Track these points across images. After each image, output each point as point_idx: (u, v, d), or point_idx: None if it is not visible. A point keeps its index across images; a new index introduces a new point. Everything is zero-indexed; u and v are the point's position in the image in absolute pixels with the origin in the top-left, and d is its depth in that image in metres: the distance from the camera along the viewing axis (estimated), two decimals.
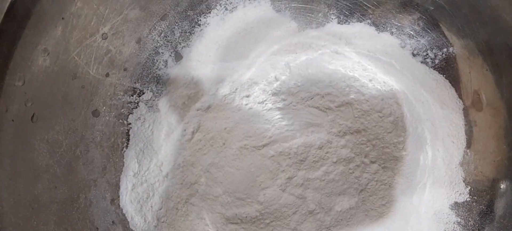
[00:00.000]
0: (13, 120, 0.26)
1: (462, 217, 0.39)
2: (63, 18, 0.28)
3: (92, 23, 0.31)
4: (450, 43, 0.41)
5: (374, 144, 0.37)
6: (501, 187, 0.37)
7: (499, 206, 0.37)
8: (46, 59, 0.28)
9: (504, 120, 0.38)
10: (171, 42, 0.39)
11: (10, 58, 0.26)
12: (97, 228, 0.32)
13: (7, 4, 0.24)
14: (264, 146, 0.36)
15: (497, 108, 0.38)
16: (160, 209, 0.37)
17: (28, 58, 0.27)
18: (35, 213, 0.27)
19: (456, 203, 0.40)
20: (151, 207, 0.37)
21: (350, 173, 0.37)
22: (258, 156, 0.36)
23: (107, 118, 0.35)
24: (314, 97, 0.38)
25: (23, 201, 0.26)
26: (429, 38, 0.42)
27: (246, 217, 0.36)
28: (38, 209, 0.27)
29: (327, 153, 0.37)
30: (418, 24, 0.42)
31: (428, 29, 0.42)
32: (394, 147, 0.37)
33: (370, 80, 0.39)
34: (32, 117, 0.28)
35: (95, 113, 0.34)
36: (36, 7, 0.26)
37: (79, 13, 0.30)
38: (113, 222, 0.34)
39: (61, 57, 0.29)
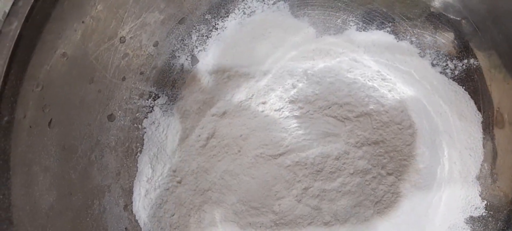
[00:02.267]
0: (30, 126, 0.25)
1: None
2: (83, 22, 0.28)
3: (111, 27, 0.30)
4: (472, 55, 0.40)
5: (392, 155, 0.37)
6: None
7: None
8: (65, 64, 0.28)
9: None
10: (188, 46, 0.38)
11: (28, 63, 0.25)
12: None
13: (28, 8, 0.23)
14: (280, 155, 0.36)
15: None
16: (173, 215, 0.37)
17: (46, 63, 0.26)
18: (50, 221, 0.27)
19: (471, 217, 0.39)
20: (164, 213, 0.36)
21: (367, 184, 0.37)
22: (274, 165, 0.36)
23: (122, 122, 0.34)
24: (332, 107, 0.38)
25: (39, 209, 0.26)
26: (450, 48, 0.41)
27: (260, 226, 0.35)
28: (53, 217, 0.27)
29: (344, 163, 0.36)
30: (438, 34, 0.41)
31: (449, 38, 0.41)
32: (412, 159, 0.37)
33: (390, 91, 0.39)
34: (49, 122, 0.27)
35: (111, 117, 0.33)
36: (56, 10, 0.25)
37: (99, 17, 0.29)
38: (126, 228, 0.33)
39: (80, 62, 0.29)
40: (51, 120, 0.27)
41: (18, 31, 0.23)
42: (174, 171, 0.38)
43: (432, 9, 0.41)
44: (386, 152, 0.37)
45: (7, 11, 0.42)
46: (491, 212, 0.39)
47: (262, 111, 0.38)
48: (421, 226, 0.39)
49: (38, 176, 0.26)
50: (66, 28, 0.27)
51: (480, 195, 0.39)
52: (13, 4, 0.24)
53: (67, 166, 0.29)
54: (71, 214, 0.28)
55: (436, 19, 0.41)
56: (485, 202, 0.39)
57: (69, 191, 0.29)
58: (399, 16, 0.42)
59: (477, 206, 0.39)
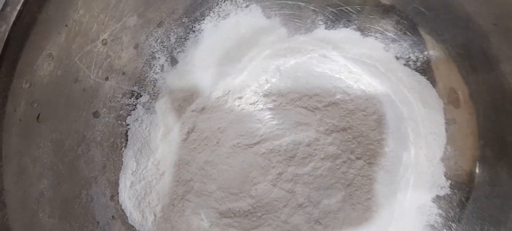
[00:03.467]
0: (20, 120, 0.28)
1: (443, 209, 0.41)
2: (66, 25, 0.30)
3: (93, 30, 0.33)
4: (431, 47, 0.44)
5: (359, 141, 0.40)
6: (477, 180, 0.40)
7: (476, 197, 0.40)
8: (51, 64, 0.30)
9: (480, 118, 0.40)
10: (167, 47, 0.41)
11: (17, 62, 0.28)
12: (98, 222, 0.34)
13: (15, 13, 0.26)
14: (255, 144, 0.39)
15: (474, 107, 0.40)
16: (157, 206, 0.39)
17: (34, 63, 0.29)
18: (41, 207, 0.29)
19: (437, 196, 0.42)
20: (149, 203, 0.39)
21: (337, 168, 0.39)
22: (250, 154, 0.38)
23: (107, 119, 0.37)
24: (303, 98, 0.41)
25: (30, 195, 0.28)
26: (411, 42, 0.44)
27: (239, 211, 0.38)
28: (44, 203, 0.29)
29: (315, 150, 0.39)
30: (400, 29, 0.44)
31: (410, 33, 0.44)
32: (377, 143, 0.40)
33: (355, 82, 0.42)
34: (38, 117, 0.30)
35: (96, 114, 0.36)
36: (41, 15, 0.28)
37: (81, 21, 0.32)
38: (113, 217, 0.36)
39: (64, 62, 0.31)
40: (39, 114, 0.30)
41: (7, 34, 0.26)
42: (157, 164, 0.40)
43: (394, 8, 0.44)
44: (354, 137, 0.40)
45: None
46: (455, 190, 0.41)
47: (239, 105, 0.41)
48: (392, 207, 0.42)
49: (29, 166, 0.28)
50: (51, 30, 0.29)
51: (444, 175, 0.42)
52: (2, 9, 0.26)
53: (55, 158, 0.31)
54: (60, 202, 0.31)
55: (398, 16, 0.44)
56: (450, 181, 0.42)
57: (58, 181, 0.31)
58: (364, 15, 0.45)
59: (442, 186, 0.42)
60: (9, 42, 0.26)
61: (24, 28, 0.27)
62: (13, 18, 0.26)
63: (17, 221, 0.27)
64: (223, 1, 0.42)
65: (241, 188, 0.38)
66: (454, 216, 0.41)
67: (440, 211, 0.41)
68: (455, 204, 0.41)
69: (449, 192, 0.41)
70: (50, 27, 0.29)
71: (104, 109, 0.36)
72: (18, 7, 0.26)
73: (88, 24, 0.32)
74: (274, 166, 0.38)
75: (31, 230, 0.27)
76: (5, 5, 0.26)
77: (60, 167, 0.32)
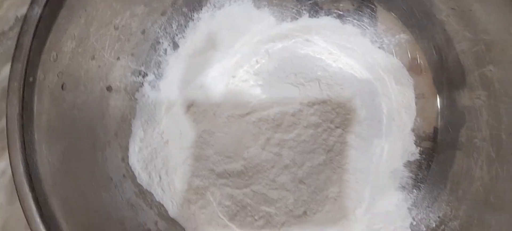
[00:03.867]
0: (48, 86, 0.34)
1: (413, 172, 0.47)
2: (85, 10, 0.37)
3: (107, 16, 0.39)
4: (401, 31, 0.49)
5: (337, 111, 0.46)
6: (440, 145, 0.46)
7: (439, 160, 0.45)
8: (73, 42, 0.36)
9: (442, 93, 0.46)
10: (170, 33, 0.47)
11: (47, 39, 0.33)
12: (112, 178, 0.40)
13: None
14: (247, 114, 0.45)
15: (433, 77, 0.46)
16: (162, 169, 0.45)
17: (60, 40, 0.35)
18: (65, 159, 0.35)
19: (408, 161, 0.47)
20: (155, 166, 0.45)
21: (318, 135, 0.45)
22: (243, 122, 0.44)
23: (118, 93, 0.43)
24: (289, 76, 0.47)
25: (56, 148, 0.34)
26: (384, 28, 0.50)
27: (233, 171, 0.44)
28: (68, 156, 0.35)
29: (299, 119, 0.45)
30: (374, 17, 0.50)
31: (382, 20, 0.50)
32: (353, 113, 0.46)
33: (334, 62, 0.48)
34: (62, 85, 0.36)
35: (109, 88, 0.42)
36: (66, 0, 0.34)
37: (97, 7, 0.38)
38: (123, 175, 0.41)
39: (84, 41, 0.38)
40: (63, 83, 0.36)
41: (39, 15, 0.32)
42: (162, 133, 0.46)
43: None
44: (333, 109, 0.46)
45: (19, 16, 0.51)
46: (423, 155, 0.47)
47: (232, 83, 0.47)
48: (367, 171, 0.48)
49: (56, 124, 0.34)
50: (74, 14, 0.36)
51: (414, 143, 0.48)
52: None
53: (76, 121, 0.37)
54: (81, 157, 0.37)
55: (372, 4, 0.50)
56: (419, 148, 0.47)
57: (78, 141, 0.37)
58: (343, 4, 0.51)
59: (412, 152, 0.48)
60: (40, 22, 0.33)
61: (52, 12, 0.33)
62: (44, 2, 0.32)
63: (46, 169, 0.33)
64: None
65: (235, 151, 0.44)
66: (423, 177, 0.46)
67: (411, 174, 0.47)
68: (423, 167, 0.47)
69: (418, 157, 0.47)
70: (72, 12, 0.35)
71: (116, 84, 0.42)
72: None
73: (103, 10, 0.38)
74: (263, 133, 0.44)
75: (60, 174, 0.33)
76: None
77: (80, 129, 0.38)
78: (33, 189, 0.30)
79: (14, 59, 0.31)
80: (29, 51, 0.31)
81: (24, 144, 0.31)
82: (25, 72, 0.31)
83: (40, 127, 0.33)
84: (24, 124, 0.31)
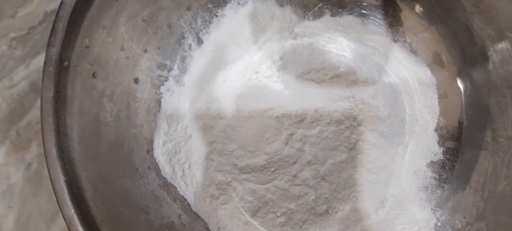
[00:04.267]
0: (81, 73, 0.35)
1: (437, 173, 0.46)
2: (117, 1, 0.37)
3: (136, 7, 0.40)
4: (424, 29, 0.50)
5: (360, 108, 0.46)
6: (464, 145, 0.45)
7: (463, 160, 0.45)
8: (104, 32, 0.37)
9: (466, 91, 0.46)
10: (194, 29, 0.48)
11: (80, 27, 0.34)
12: (138, 169, 0.40)
13: None
14: (270, 109, 0.45)
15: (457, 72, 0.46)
16: (185, 163, 0.45)
17: (92, 28, 0.35)
18: (93, 146, 0.35)
19: (432, 161, 0.47)
20: (178, 160, 0.45)
21: (341, 133, 0.45)
22: (266, 117, 0.44)
23: (144, 86, 0.44)
24: (311, 72, 0.47)
25: (86, 134, 0.35)
26: (406, 26, 0.50)
27: (255, 166, 0.44)
28: (96, 143, 0.36)
29: (321, 115, 0.45)
30: (396, 15, 0.50)
31: (405, 18, 0.50)
32: (377, 110, 0.45)
33: (358, 58, 0.48)
34: (93, 74, 0.36)
35: (136, 80, 0.42)
36: None
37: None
38: (148, 167, 0.42)
39: (114, 32, 0.38)
40: (94, 72, 0.36)
41: (74, 2, 0.33)
42: (186, 128, 0.46)
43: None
44: (356, 105, 0.46)
45: (48, 11, 0.52)
46: (447, 156, 0.47)
47: (256, 78, 0.47)
48: (390, 171, 0.47)
49: (87, 110, 0.35)
50: (106, 5, 0.36)
51: (438, 144, 0.47)
52: None
53: (105, 109, 0.38)
54: (108, 146, 0.37)
55: (395, 3, 0.50)
56: (442, 148, 0.47)
57: (106, 129, 0.38)
58: (366, 3, 0.51)
59: (436, 152, 0.47)
60: (74, 11, 0.33)
61: (85, 1, 0.34)
62: None
63: (78, 152, 0.33)
64: None
65: (257, 146, 0.44)
66: (446, 178, 0.46)
67: (434, 175, 0.46)
68: (447, 167, 0.46)
69: (441, 158, 0.47)
70: (105, 2, 0.36)
71: (142, 76, 0.43)
72: None
73: (133, 2, 0.39)
74: (286, 128, 0.44)
75: (90, 159, 0.34)
76: None
77: (108, 118, 0.38)
78: (65, 172, 0.30)
79: (49, 44, 0.32)
80: (64, 37, 0.32)
81: (57, 127, 0.31)
82: (60, 57, 0.32)
83: (72, 112, 0.33)
84: (58, 108, 0.31)
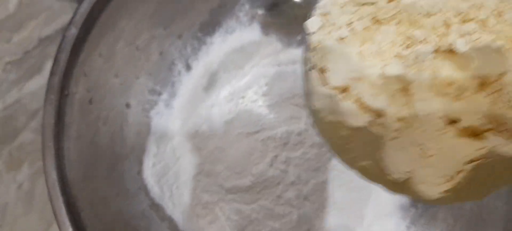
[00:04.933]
0: (79, 99, 0.37)
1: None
2: (114, 31, 0.40)
3: (131, 37, 0.43)
4: None
5: None
6: None
7: None
8: (100, 60, 0.39)
9: None
10: (184, 56, 0.51)
11: (79, 55, 0.37)
12: (129, 190, 0.42)
13: (82, 20, 0.36)
14: (256, 132, 0.47)
15: None
16: (173, 184, 0.47)
17: (90, 57, 0.38)
18: (90, 167, 0.37)
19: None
20: (167, 181, 0.47)
21: (323, 154, 0.48)
22: (252, 140, 0.47)
23: (136, 110, 0.46)
24: (295, 97, 0.50)
25: (83, 157, 0.37)
26: None
27: (242, 187, 0.46)
28: (93, 165, 0.38)
29: (304, 138, 0.48)
30: None
31: None
32: None
33: None
34: (90, 100, 0.39)
35: (128, 105, 0.45)
36: (98, 20, 0.38)
37: (124, 28, 0.41)
38: (139, 188, 0.44)
39: (110, 59, 0.41)
40: (91, 98, 0.39)
41: (75, 35, 0.36)
42: (174, 150, 0.49)
43: None
44: None
45: (43, 36, 0.54)
46: None
47: (242, 102, 0.50)
48: (369, 189, 0.50)
49: (84, 134, 0.37)
50: (103, 34, 0.39)
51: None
52: (72, 17, 0.36)
53: (98, 134, 0.40)
54: (104, 166, 0.39)
55: None
56: None
57: (101, 152, 0.40)
58: None
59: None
60: (76, 42, 0.36)
61: (86, 31, 0.37)
62: (80, 24, 0.36)
63: (74, 173, 0.35)
64: (230, 20, 0.52)
65: (244, 167, 0.46)
66: None
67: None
68: None
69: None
70: (103, 31, 0.39)
71: (134, 102, 0.45)
72: (85, 16, 0.36)
73: (129, 31, 0.42)
74: (270, 150, 0.47)
75: (86, 180, 0.36)
76: (75, 14, 0.36)
77: (102, 141, 0.40)
78: (64, 193, 0.32)
79: (51, 73, 0.34)
80: (65, 67, 0.34)
81: (57, 151, 0.33)
82: (61, 85, 0.34)
83: (70, 136, 0.35)
84: (58, 133, 0.34)
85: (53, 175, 0.33)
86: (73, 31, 0.35)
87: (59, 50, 0.35)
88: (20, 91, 0.54)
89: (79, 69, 0.37)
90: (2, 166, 0.52)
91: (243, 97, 0.50)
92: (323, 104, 0.23)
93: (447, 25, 0.21)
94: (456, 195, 0.21)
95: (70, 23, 0.35)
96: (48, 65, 0.54)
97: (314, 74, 0.24)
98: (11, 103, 0.54)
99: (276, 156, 0.47)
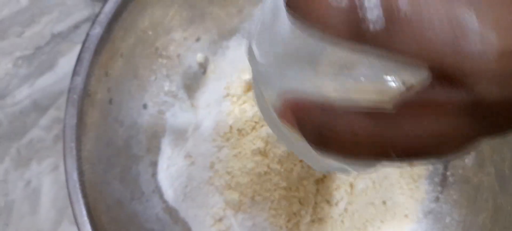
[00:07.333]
0: (100, 100, 0.36)
1: (425, 204, 0.50)
2: (135, 33, 0.40)
3: (151, 39, 0.42)
4: None
5: None
6: (448, 180, 0.49)
7: (447, 193, 0.49)
8: (121, 60, 0.39)
9: None
10: (201, 59, 0.50)
11: (101, 55, 0.36)
12: (144, 192, 0.42)
13: (107, 19, 0.35)
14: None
15: None
16: (186, 187, 0.47)
17: (111, 58, 0.38)
18: (108, 169, 0.37)
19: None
20: (180, 184, 0.47)
21: None
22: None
23: (152, 112, 0.45)
24: None
25: (101, 158, 0.36)
26: None
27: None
28: (110, 166, 0.37)
29: None
30: None
31: None
32: None
33: None
34: (110, 100, 0.38)
35: (145, 106, 0.44)
36: (121, 20, 0.37)
37: (145, 30, 0.41)
38: (153, 190, 0.43)
39: (130, 61, 0.40)
40: (111, 99, 0.38)
41: (100, 35, 0.35)
42: (188, 153, 0.48)
43: None
44: None
45: (55, 32, 0.53)
46: (432, 187, 0.50)
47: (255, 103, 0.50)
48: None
49: (102, 135, 0.37)
50: (126, 36, 0.39)
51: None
52: (97, 16, 0.36)
53: (117, 134, 0.40)
54: (119, 169, 0.39)
55: None
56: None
57: (118, 153, 0.39)
58: None
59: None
60: (100, 41, 0.35)
61: (110, 31, 0.36)
62: (105, 24, 0.35)
63: (92, 175, 0.35)
64: (247, 25, 0.52)
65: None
66: (431, 209, 0.50)
67: (422, 206, 0.50)
68: (432, 199, 0.50)
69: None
70: (125, 33, 0.38)
71: (150, 103, 0.45)
72: (109, 16, 0.35)
73: (149, 33, 0.42)
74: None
75: (103, 182, 0.35)
76: (99, 13, 0.35)
77: (119, 143, 0.40)
78: (84, 195, 0.32)
79: (74, 73, 0.33)
80: (89, 67, 0.34)
81: (79, 152, 0.33)
82: (84, 85, 0.33)
83: (90, 137, 0.35)
84: (80, 134, 0.33)
85: (74, 177, 0.32)
86: (98, 30, 0.35)
87: (82, 49, 0.34)
88: (31, 87, 0.53)
89: (101, 69, 0.36)
90: (9, 163, 0.51)
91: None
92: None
93: None
94: None
95: (94, 22, 0.35)
96: (60, 62, 0.54)
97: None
98: (21, 99, 0.53)
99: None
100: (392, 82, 0.18)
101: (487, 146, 0.47)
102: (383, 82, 0.18)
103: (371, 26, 0.15)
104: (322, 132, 0.17)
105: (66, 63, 0.53)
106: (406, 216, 0.49)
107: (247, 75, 0.52)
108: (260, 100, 0.24)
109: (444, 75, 0.15)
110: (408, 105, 0.16)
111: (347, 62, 0.18)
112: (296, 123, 0.18)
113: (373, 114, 0.16)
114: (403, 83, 0.17)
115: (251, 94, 0.51)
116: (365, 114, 0.16)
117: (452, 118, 0.15)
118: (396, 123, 0.16)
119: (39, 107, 0.53)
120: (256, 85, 0.23)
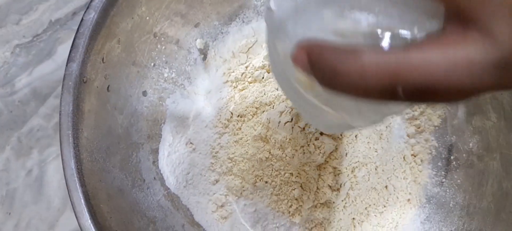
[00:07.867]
0: (97, 87, 0.36)
1: (428, 188, 0.49)
2: (132, 18, 0.39)
3: (149, 24, 0.42)
4: None
5: None
6: (452, 164, 0.48)
7: (452, 177, 0.48)
8: (119, 47, 0.38)
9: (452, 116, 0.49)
10: (200, 44, 0.50)
11: (96, 41, 0.36)
12: (144, 180, 0.41)
13: (101, 4, 0.34)
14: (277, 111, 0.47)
15: None
16: (188, 173, 0.47)
17: (108, 44, 0.37)
18: (107, 157, 0.36)
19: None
20: (181, 171, 0.46)
21: None
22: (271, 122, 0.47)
23: (152, 98, 0.45)
24: None
25: (100, 146, 0.36)
26: None
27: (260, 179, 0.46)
28: (109, 154, 0.37)
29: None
30: None
31: None
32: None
33: None
34: (108, 87, 0.37)
35: (144, 93, 0.44)
36: (117, 5, 0.36)
37: (142, 15, 0.40)
38: (154, 178, 0.43)
39: (128, 47, 0.40)
40: (108, 85, 0.38)
41: (95, 19, 0.34)
42: (189, 140, 0.48)
43: None
44: None
45: (53, 20, 0.53)
46: (435, 172, 0.50)
47: (257, 88, 0.49)
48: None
49: (101, 122, 0.36)
50: (122, 21, 0.38)
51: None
52: (91, 1, 0.35)
53: (116, 122, 0.39)
54: (119, 157, 0.38)
55: None
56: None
57: (117, 141, 0.39)
58: None
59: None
60: (95, 26, 0.35)
61: (105, 16, 0.36)
62: (99, 8, 0.34)
63: (90, 163, 0.34)
64: (247, 10, 0.51)
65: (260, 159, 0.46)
66: (435, 193, 0.49)
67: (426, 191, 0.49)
68: (436, 183, 0.49)
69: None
70: (121, 18, 0.37)
71: (150, 90, 0.44)
72: (105, 0, 0.34)
73: (147, 18, 0.41)
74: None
75: (103, 170, 0.35)
76: None
77: (119, 130, 0.39)
78: (82, 184, 0.32)
79: (69, 59, 0.33)
80: (84, 53, 0.33)
81: (76, 140, 0.32)
82: (79, 72, 0.33)
83: (88, 125, 0.34)
84: (76, 122, 0.33)
85: (71, 165, 0.32)
86: (92, 15, 0.34)
87: (77, 35, 0.33)
88: (30, 76, 0.53)
89: (97, 55, 0.36)
90: (10, 152, 0.51)
91: (256, 81, 0.49)
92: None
93: None
94: None
95: (89, 6, 0.34)
96: (59, 50, 0.53)
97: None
98: (20, 88, 0.53)
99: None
100: (406, 35, 0.18)
101: (493, 130, 0.46)
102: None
103: None
104: (333, 67, 0.17)
105: (65, 50, 0.52)
106: (409, 201, 0.48)
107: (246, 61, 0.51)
108: (273, 57, 0.24)
109: (458, 15, 0.16)
110: (418, 44, 0.17)
111: (362, 5, 0.19)
112: (309, 63, 0.18)
113: (382, 49, 0.18)
114: (414, 37, 0.18)
115: (251, 79, 0.50)
116: (374, 49, 0.17)
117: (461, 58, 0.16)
118: (405, 56, 0.16)
119: (38, 95, 0.52)
120: (271, 42, 0.24)
